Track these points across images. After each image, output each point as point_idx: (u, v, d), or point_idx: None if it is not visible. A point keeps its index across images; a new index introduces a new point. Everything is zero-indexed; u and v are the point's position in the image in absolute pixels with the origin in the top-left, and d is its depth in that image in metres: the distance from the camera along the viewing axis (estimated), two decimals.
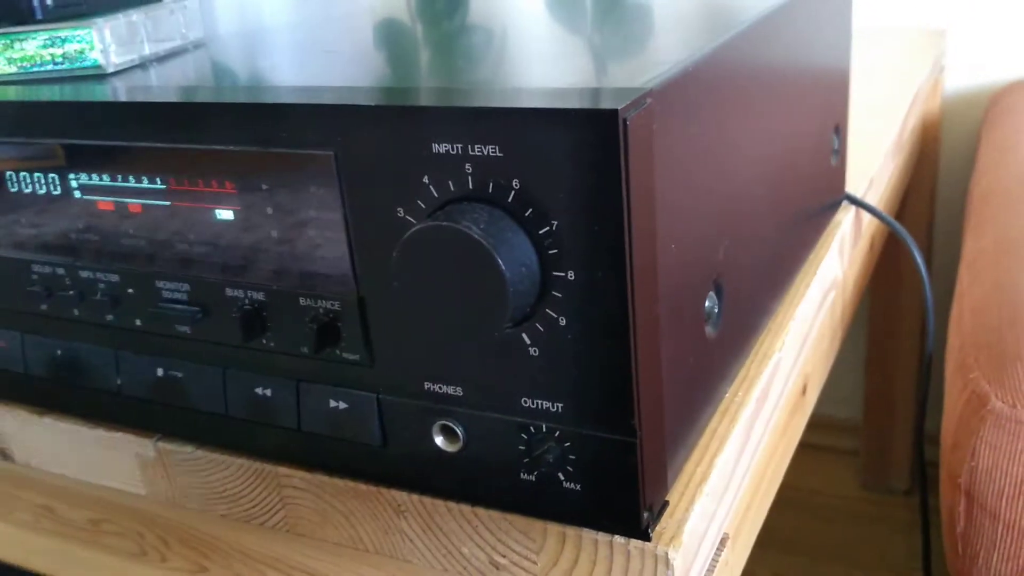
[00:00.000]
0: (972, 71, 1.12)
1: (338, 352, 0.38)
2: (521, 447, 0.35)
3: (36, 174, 0.42)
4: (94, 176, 0.40)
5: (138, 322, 0.42)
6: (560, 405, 0.34)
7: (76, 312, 0.44)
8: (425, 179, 0.33)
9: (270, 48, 0.49)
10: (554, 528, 0.37)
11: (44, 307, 0.44)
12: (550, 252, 0.32)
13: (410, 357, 0.36)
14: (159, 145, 0.38)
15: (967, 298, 0.69)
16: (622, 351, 0.32)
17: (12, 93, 0.42)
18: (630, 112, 0.29)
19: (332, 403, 0.39)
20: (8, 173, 0.43)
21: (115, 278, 0.42)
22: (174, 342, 0.42)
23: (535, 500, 0.36)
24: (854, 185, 0.67)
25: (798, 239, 0.54)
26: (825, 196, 0.60)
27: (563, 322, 0.32)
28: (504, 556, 0.39)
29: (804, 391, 0.58)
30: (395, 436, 0.38)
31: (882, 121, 0.82)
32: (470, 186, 0.32)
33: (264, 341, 0.39)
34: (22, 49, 0.45)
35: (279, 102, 0.35)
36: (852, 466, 1.31)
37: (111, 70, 0.45)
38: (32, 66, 0.45)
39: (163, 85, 0.41)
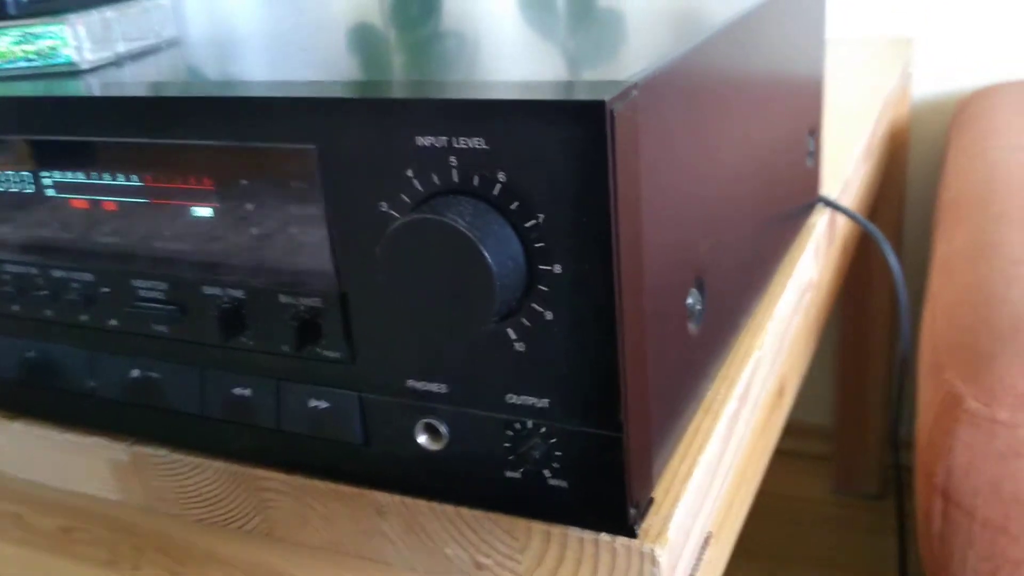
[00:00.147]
0: (939, 79, 1.14)
1: (319, 350, 0.37)
2: (506, 444, 0.35)
3: (8, 172, 0.41)
4: (68, 174, 0.40)
5: (113, 322, 0.41)
6: (546, 401, 0.34)
7: (48, 313, 0.43)
8: (409, 172, 0.32)
9: (245, 47, 0.49)
10: (539, 527, 0.37)
11: (15, 308, 0.43)
12: (536, 245, 0.31)
13: (393, 354, 0.36)
14: (136, 141, 0.37)
15: (939, 300, 0.70)
16: (609, 345, 0.32)
17: None
18: (617, 104, 0.29)
19: (313, 402, 0.38)
20: None
21: (89, 277, 0.41)
22: (150, 342, 0.41)
23: (520, 498, 0.36)
24: (827, 189, 0.67)
25: (775, 240, 0.54)
26: (801, 198, 0.60)
27: (549, 316, 0.32)
28: (488, 556, 0.38)
29: (781, 392, 0.58)
30: (377, 435, 0.38)
31: (853, 127, 0.83)
32: (455, 179, 0.32)
33: (243, 340, 0.39)
34: None
35: (260, 96, 0.34)
36: (823, 471, 1.32)
37: (85, 67, 0.44)
38: (5, 63, 0.44)
39: (139, 81, 0.41)
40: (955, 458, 0.59)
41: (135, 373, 0.42)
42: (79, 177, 0.39)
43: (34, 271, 0.42)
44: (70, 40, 0.44)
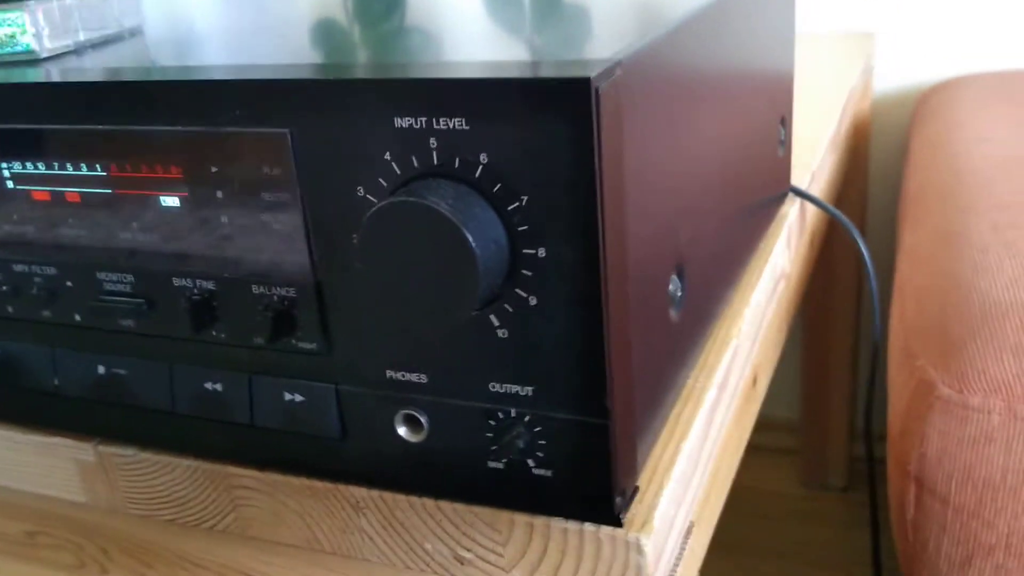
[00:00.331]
0: (900, 73, 1.15)
1: (294, 341, 0.36)
2: (489, 434, 0.34)
3: None
4: (28, 164, 0.38)
5: (77, 317, 0.40)
6: (530, 389, 0.33)
7: (9, 309, 0.41)
8: (387, 156, 0.31)
9: (209, 38, 0.47)
10: (521, 519, 0.36)
11: None
12: (519, 229, 0.31)
13: (371, 344, 0.35)
14: (101, 128, 0.36)
15: (909, 288, 0.70)
16: (595, 329, 0.31)
17: None
18: (602, 81, 0.28)
19: (288, 396, 0.37)
20: None
21: (52, 271, 0.39)
22: (117, 337, 0.40)
23: (503, 489, 0.35)
24: (795, 180, 0.67)
25: (749, 229, 0.54)
26: (773, 187, 0.60)
27: (533, 301, 0.31)
28: (469, 550, 0.38)
29: (755, 382, 0.58)
30: (355, 428, 0.37)
31: (818, 120, 0.83)
32: (435, 162, 0.31)
33: (214, 333, 0.37)
34: None
35: (232, 79, 0.33)
36: (790, 465, 1.33)
37: (44, 55, 0.43)
38: None
39: (101, 68, 0.40)
40: (928, 445, 0.59)
41: (101, 370, 0.40)
42: (40, 168, 0.38)
43: None
44: (29, 27, 0.42)
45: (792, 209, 0.64)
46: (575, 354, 0.32)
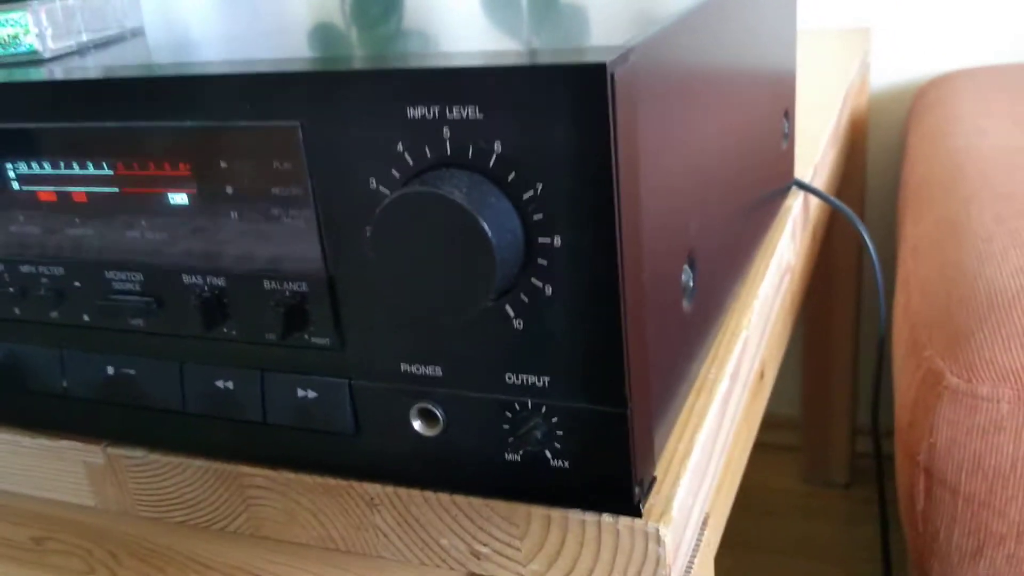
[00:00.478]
0: (896, 68, 1.15)
1: (306, 337, 0.36)
2: (506, 426, 0.34)
3: None
4: (34, 165, 0.38)
5: (86, 317, 0.40)
6: (547, 379, 0.33)
7: (16, 311, 0.41)
8: (399, 147, 0.31)
9: (210, 38, 0.47)
10: (539, 512, 0.36)
11: None
12: (535, 217, 0.30)
13: (385, 338, 0.35)
14: (107, 126, 0.36)
15: (913, 280, 0.70)
16: (611, 318, 0.31)
17: None
18: (617, 67, 0.28)
19: (300, 392, 0.37)
20: None
21: (60, 271, 0.39)
22: (126, 337, 0.39)
23: (520, 482, 0.35)
24: (798, 174, 0.67)
25: (755, 222, 0.54)
26: (777, 180, 0.60)
27: (549, 291, 0.31)
28: (485, 545, 0.37)
29: (762, 376, 0.58)
30: (369, 424, 0.36)
31: (818, 115, 0.83)
32: (448, 152, 0.31)
33: (225, 330, 0.37)
34: None
35: (240, 72, 0.33)
36: (792, 461, 1.33)
37: (47, 56, 0.42)
38: None
39: (107, 65, 0.39)
40: (937, 435, 0.59)
41: (110, 370, 0.40)
42: (46, 168, 0.38)
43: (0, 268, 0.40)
44: (32, 28, 0.42)
45: (796, 202, 0.64)
46: (592, 343, 0.32)
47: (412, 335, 0.34)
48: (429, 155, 0.31)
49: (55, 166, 0.38)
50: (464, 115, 0.30)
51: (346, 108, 0.32)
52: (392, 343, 0.35)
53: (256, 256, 0.35)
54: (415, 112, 0.30)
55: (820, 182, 0.75)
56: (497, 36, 0.38)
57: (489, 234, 0.29)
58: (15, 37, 0.42)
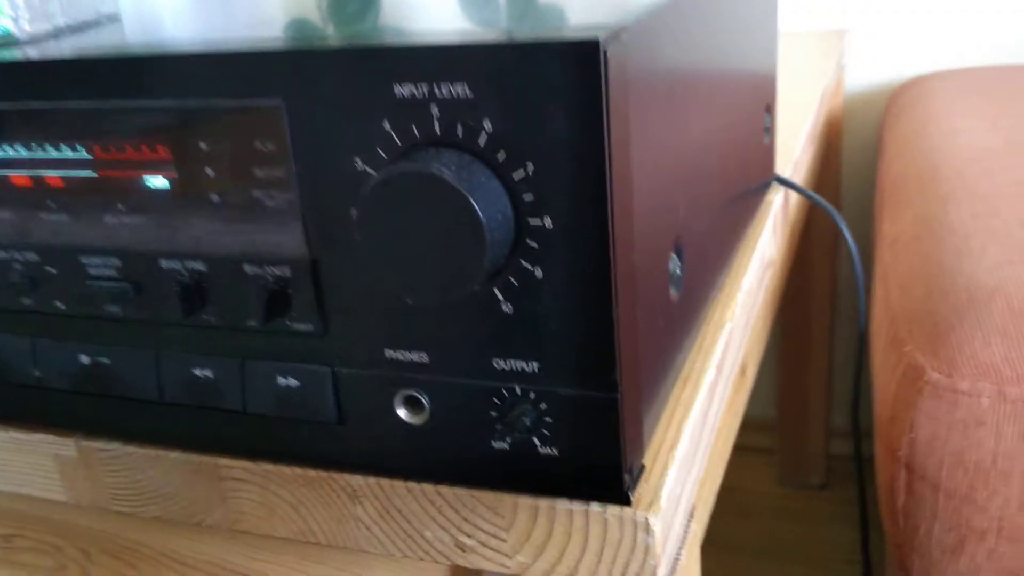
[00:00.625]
0: (871, 70, 1.16)
1: (288, 323, 0.35)
2: (493, 413, 0.33)
3: None
4: (8, 149, 0.37)
5: (60, 305, 0.39)
6: (536, 364, 0.32)
7: None
8: (386, 125, 0.31)
9: (188, 25, 0.46)
10: (525, 502, 0.35)
11: None
12: (525, 198, 0.30)
13: (369, 323, 0.34)
14: (85, 106, 0.35)
15: (892, 276, 0.70)
16: (603, 301, 0.30)
17: None
18: (609, 44, 0.28)
19: (281, 380, 0.36)
20: None
21: (33, 257, 0.38)
22: (101, 325, 0.38)
23: (507, 471, 0.34)
24: (778, 170, 0.67)
25: (737, 215, 0.54)
26: (759, 174, 0.60)
27: (539, 274, 0.31)
28: (470, 536, 0.37)
29: (744, 372, 0.58)
30: (353, 412, 0.36)
31: (796, 115, 0.83)
32: (436, 130, 0.30)
33: (205, 316, 0.36)
34: None
35: (222, 50, 0.32)
36: (767, 464, 1.33)
37: (23, 38, 0.41)
38: None
39: (83, 45, 0.38)
40: (918, 430, 0.59)
41: (84, 360, 0.39)
42: (21, 152, 0.37)
43: None
44: (7, 10, 0.41)
45: (777, 197, 0.63)
46: (582, 327, 0.31)
47: (397, 320, 0.33)
48: (417, 134, 0.30)
49: (30, 149, 0.37)
50: (453, 93, 0.29)
51: (331, 86, 0.31)
52: (377, 328, 0.34)
53: (237, 240, 0.35)
54: (402, 90, 0.30)
55: (798, 180, 0.75)
56: (477, 32, 0.37)
57: (480, 214, 0.28)
58: None
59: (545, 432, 0.33)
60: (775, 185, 0.65)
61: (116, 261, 0.37)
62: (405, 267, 0.30)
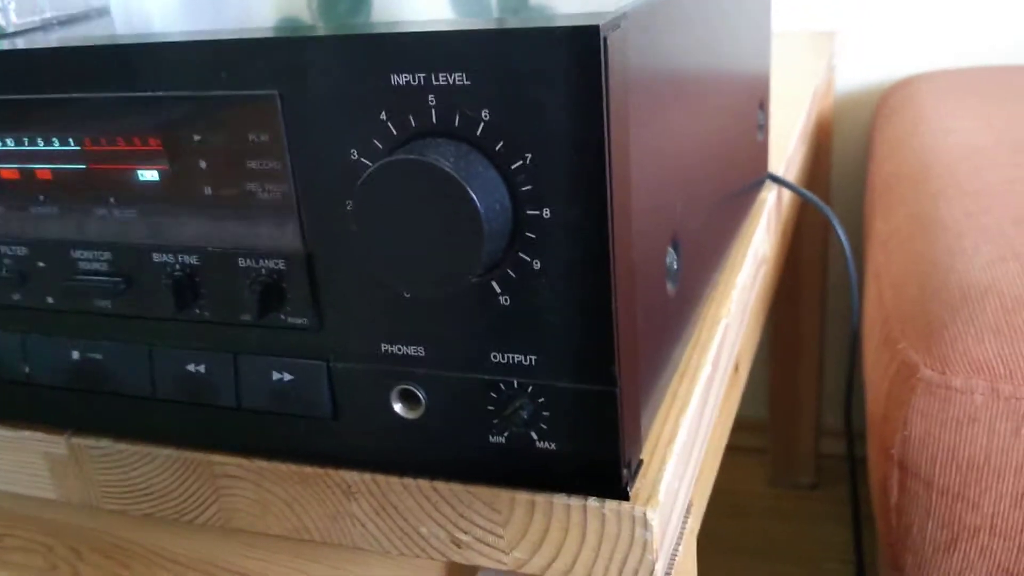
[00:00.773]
0: (861, 71, 1.16)
1: (283, 317, 0.35)
2: (490, 407, 0.33)
3: None
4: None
5: (50, 299, 0.38)
6: (534, 357, 0.32)
7: None
8: (383, 115, 0.30)
9: (179, 17, 0.46)
10: (522, 497, 0.35)
11: None
12: (523, 189, 0.30)
13: (365, 317, 0.34)
14: (73, 97, 0.34)
15: (885, 275, 0.70)
16: (601, 292, 0.30)
17: None
18: (610, 31, 0.28)
19: (276, 375, 0.36)
20: None
21: (23, 251, 0.38)
22: (93, 319, 0.38)
23: (505, 466, 0.34)
24: (771, 168, 0.67)
25: (732, 212, 0.54)
26: (753, 171, 0.59)
27: (537, 265, 0.30)
28: (467, 532, 0.36)
29: (737, 369, 0.58)
30: (348, 407, 0.35)
31: (788, 115, 0.83)
32: (433, 120, 0.30)
33: (197, 311, 0.36)
34: None
35: (216, 39, 0.32)
36: (758, 464, 1.33)
37: (11, 30, 0.41)
38: None
39: (73, 36, 0.38)
40: (911, 428, 0.58)
41: (75, 355, 0.39)
42: (10, 144, 0.36)
43: None
44: None
45: (771, 195, 0.63)
46: (581, 319, 0.31)
47: (393, 313, 0.33)
48: (414, 124, 0.30)
49: (19, 142, 0.36)
50: (451, 81, 0.29)
51: (327, 75, 0.30)
52: (372, 322, 0.34)
53: (231, 233, 0.34)
54: (399, 79, 0.29)
55: (790, 179, 0.75)
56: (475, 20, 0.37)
57: (478, 204, 0.28)
58: None
59: (542, 426, 0.33)
60: (768, 183, 0.65)
61: (107, 255, 0.36)
62: (402, 259, 0.30)
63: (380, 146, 0.31)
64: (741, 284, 0.51)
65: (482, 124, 0.29)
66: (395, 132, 0.30)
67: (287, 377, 0.35)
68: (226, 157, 0.33)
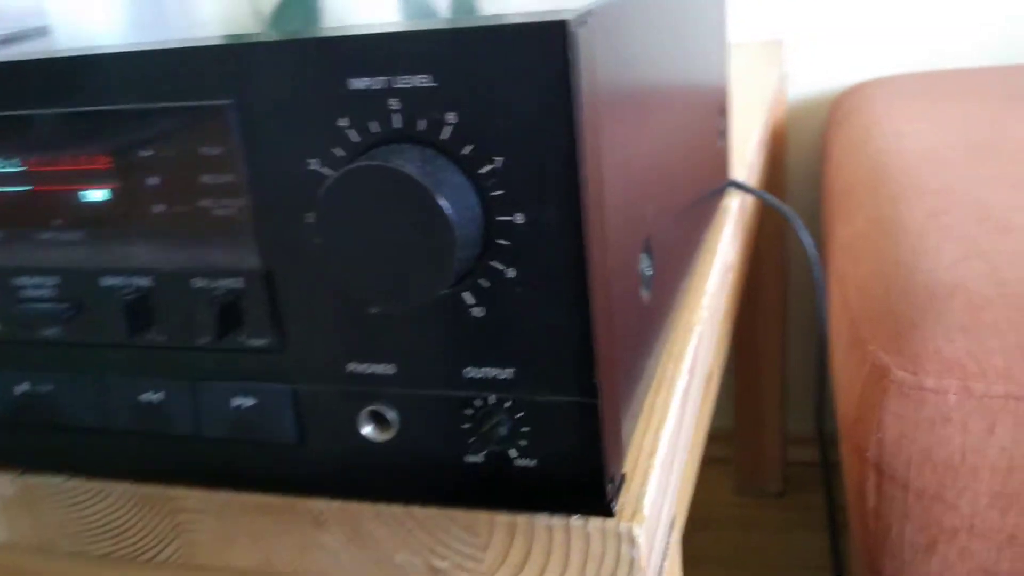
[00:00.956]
0: (812, 79, 1.17)
1: (242, 339, 0.33)
2: (466, 425, 0.31)
3: None
4: None
5: None
6: (510, 371, 0.30)
7: None
8: (342, 122, 0.29)
9: (122, 32, 0.44)
10: (502, 519, 0.33)
11: None
12: (493, 194, 0.28)
13: (329, 335, 0.32)
14: (15, 114, 0.32)
15: (850, 278, 0.70)
16: (579, 299, 0.29)
17: None
18: (578, 26, 0.26)
19: (237, 400, 0.34)
20: None
21: None
22: (39, 350, 0.36)
23: (482, 486, 0.32)
24: (732, 174, 0.67)
25: (697, 219, 0.53)
26: (715, 178, 0.59)
27: (511, 274, 0.29)
28: (444, 559, 0.35)
29: (711, 378, 0.57)
30: (314, 432, 0.34)
31: (746, 121, 0.83)
32: (397, 125, 0.28)
33: (152, 336, 0.34)
34: None
35: (165, 47, 0.30)
36: (724, 473, 1.32)
37: None
38: None
39: (11, 51, 0.36)
40: (885, 430, 0.58)
41: (22, 388, 0.36)
42: None
43: None
44: None
45: (734, 202, 0.63)
46: (558, 329, 0.29)
47: (360, 330, 0.32)
48: (376, 130, 0.28)
49: None
50: (414, 84, 0.28)
51: (282, 82, 0.29)
52: (338, 341, 0.32)
53: (185, 252, 0.32)
54: (358, 83, 0.28)
55: (752, 184, 0.74)
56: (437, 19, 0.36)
57: (448, 212, 0.27)
58: None
59: (521, 443, 0.31)
60: (730, 189, 0.64)
61: (54, 280, 0.34)
62: (368, 272, 0.28)
63: (341, 154, 0.29)
64: (711, 291, 0.51)
65: (448, 128, 0.28)
66: (357, 139, 0.29)
67: (249, 402, 0.34)
68: (178, 172, 0.31)
